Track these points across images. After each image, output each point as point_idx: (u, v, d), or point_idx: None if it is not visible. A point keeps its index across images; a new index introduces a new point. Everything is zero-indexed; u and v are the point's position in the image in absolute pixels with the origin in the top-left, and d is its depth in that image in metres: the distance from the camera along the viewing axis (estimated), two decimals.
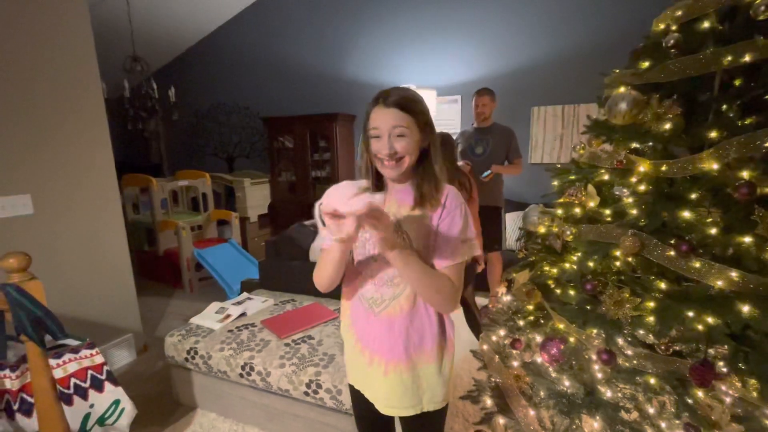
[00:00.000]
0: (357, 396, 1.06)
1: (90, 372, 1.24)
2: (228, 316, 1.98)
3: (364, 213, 0.69)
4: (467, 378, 2.12)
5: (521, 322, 1.38)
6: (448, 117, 3.82)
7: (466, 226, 0.90)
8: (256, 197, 4.53)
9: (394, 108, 0.83)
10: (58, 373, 1.19)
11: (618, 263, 1.04)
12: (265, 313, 2.04)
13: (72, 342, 1.22)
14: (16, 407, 1.22)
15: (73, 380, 1.22)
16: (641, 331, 0.99)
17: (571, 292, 1.17)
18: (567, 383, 1.11)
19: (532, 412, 1.26)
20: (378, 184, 0.94)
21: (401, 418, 1.02)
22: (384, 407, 0.98)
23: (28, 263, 1.14)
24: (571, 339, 1.14)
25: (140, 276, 3.72)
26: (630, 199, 1.04)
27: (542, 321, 1.30)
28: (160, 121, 5.52)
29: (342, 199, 0.70)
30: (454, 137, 2.44)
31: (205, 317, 2.00)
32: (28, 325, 1.11)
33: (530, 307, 1.30)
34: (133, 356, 2.41)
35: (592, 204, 1.12)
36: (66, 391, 1.22)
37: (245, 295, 2.30)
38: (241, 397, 1.76)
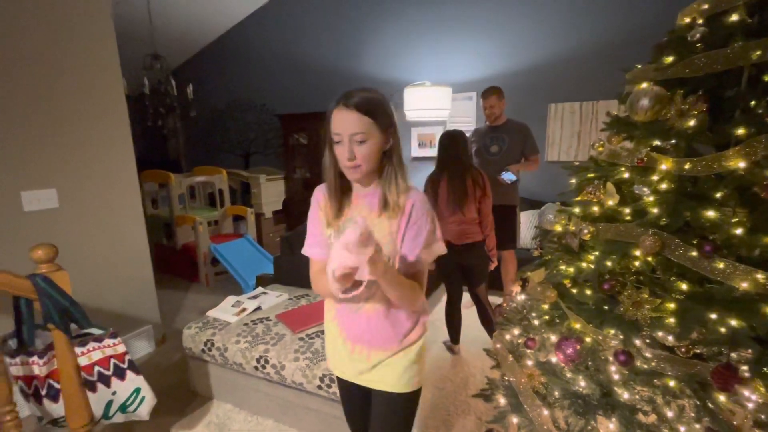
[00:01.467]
0: (343, 384, 1.12)
1: (113, 360, 1.28)
2: (243, 309, 2.02)
3: (370, 252, 0.73)
4: (480, 376, 2.11)
5: (536, 322, 1.36)
6: (463, 114, 3.79)
7: (432, 232, 0.93)
8: (271, 193, 4.58)
9: (355, 111, 0.82)
10: (82, 361, 1.24)
11: (637, 263, 1.02)
12: (279, 307, 2.07)
13: (96, 331, 1.27)
14: (43, 392, 1.27)
15: (96, 368, 1.26)
16: (660, 333, 0.97)
17: (588, 292, 1.15)
18: (583, 384, 1.10)
19: (545, 412, 1.24)
20: (343, 184, 0.95)
21: (375, 402, 1.06)
22: (365, 381, 1.04)
23: (55, 254, 1.18)
24: (588, 339, 1.13)
25: (158, 269, 3.81)
26: (651, 198, 1.02)
27: (557, 320, 1.29)
28: (178, 118, 5.62)
29: (345, 254, 0.73)
30: (468, 135, 2.41)
31: (222, 310, 2.04)
32: (55, 314, 1.15)
33: (545, 307, 1.29)
34: (152, 347, 2.48)
35: (611, 202, 1.10)
36: (90, 378, 1.27)
37: (260, 289, 2.34)
38: (256, 389, 1.79)
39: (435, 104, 3.32)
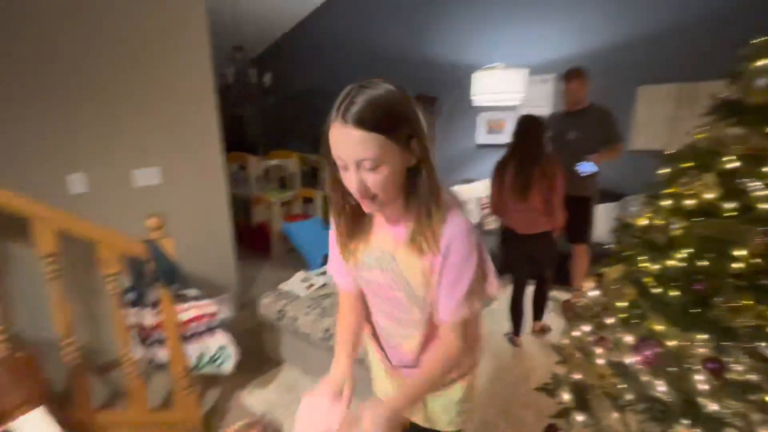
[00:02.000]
0: None
1: (205, 319, 1.47)
2: (312, 284, 2.16)
3: None
4: (542, 371, 2.05)
5: (610, 320, 1.29)
6: (537, 98, 3.58)
7: (478, 277, 0.71)
8: None
9: (358, 129, 0.58)
10: (182, 317, 1.44)
11: (738, 264, 0.91)
12: None
13: (193, 292, 1.45)
14: (152, 340, 1.50)
15: (192, 324, 1.45)
16: (763, 344, 0.87)
17: (674, 293, 1.06)
18: (662, 389, 1.03)
19: (615, 414, 1.19)
20: (356, 206, 0.71)
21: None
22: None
23: (163, 223, 1.37)
24: (670, 343, 1.05)
25: (236, 244, 4.20)
26: (764, 192, 0.90)
27: (635, 321, 1.20)
28: (256, 105, 6.04)
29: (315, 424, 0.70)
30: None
31: (293, 284, 2.21)
32: (162, 274, 1.34)
33: (622, 305, 1.21)
34: (231, 313, 2.76)
35: (711, 195, 0.99)
36: (186, 332, 1.46)
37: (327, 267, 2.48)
38: (323, 358, 1.93)
39: (507, 87, 3.17)
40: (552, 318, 2.61)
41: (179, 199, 2.38)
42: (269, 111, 6.00)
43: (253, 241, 4.23)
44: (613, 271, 1.31)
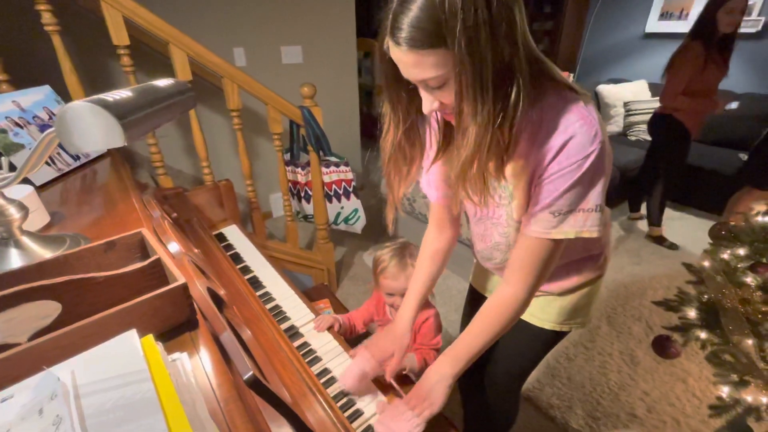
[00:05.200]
0: (474, 295, 1.03)
1: (344, 183, 1.69)
2: None
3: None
4: (662, 289, 1.93)
5: None
6: None
7: (582, 192, 0.56)
8: None
9: (412, 52, 0.47)
10: (325, 179, 1.68)
11: None
12: None
13: (335, 158, 1.66)
14: (302, 195, 1.81)
15: (333, 186, 1.69)
16: None
17: None
18: None
19: (750, 341, 1.11)
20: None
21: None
22: None
23: (315, 92, 1.52)
24: None
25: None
26: None
27: None
28: None
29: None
30: None
31: None
32: (313, 138, 1.54)
33: None
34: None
35: None
36: (329, 192, 1.72)
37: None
38: None
39: None
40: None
41: (317, 78, 2.56)
42: None
43: (374, 129, 4.42)
44: None
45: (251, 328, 0.69)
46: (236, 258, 1.12)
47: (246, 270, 1.08)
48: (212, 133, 2.18)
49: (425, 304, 0.91)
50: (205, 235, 1.08)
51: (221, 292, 0.61)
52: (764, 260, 1.13)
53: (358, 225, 1.82)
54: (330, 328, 0.92)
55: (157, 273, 0.52)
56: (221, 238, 1.24)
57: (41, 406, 0.32)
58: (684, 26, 2.84)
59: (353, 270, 2.18)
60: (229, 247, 1.18)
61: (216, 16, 2.08)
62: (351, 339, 1.09)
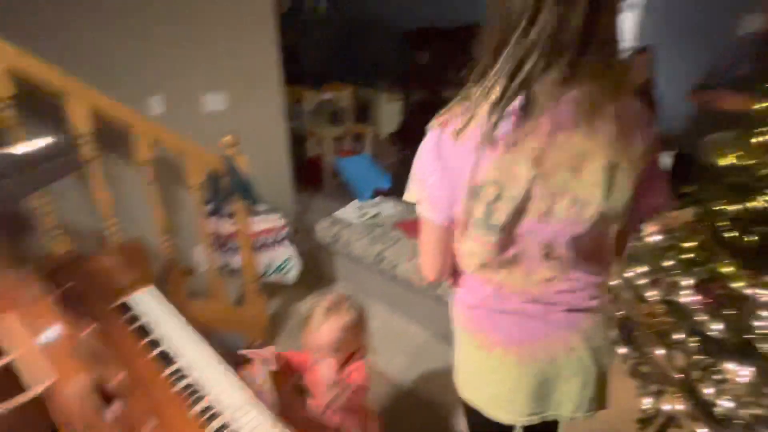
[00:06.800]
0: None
1: (274, 231, 1.62)
2: (365, 213, 2.27)
3: None
4: None
5: (669, 262, 1.27)
6: None
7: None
8: (389, 114, 4.70)
9: None
10: (254, 228, 1.60)
11: None
12: (395, 216, 2.27)
13: (263, 207, 1.59)
14: (226, 248, 1.69)
15: (263, 235, 1.61)
16: None
17: (751, 238, 1.02)
18: (718, 326, 1.03)
19: (662, 351, 1.22)
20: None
21: None
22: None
23: (238, 142, 1.48)
24: (735, 285, 1.03)
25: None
26: None
27: (699, 263, 1.18)
28: (311, 35, 5.89)
29: None
30: None
31: (347, 212, 2.33)
32: (237, 188, 1.47)
33: (688, 245, 1.18)
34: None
35: None
36: (257, 242, 1.63)
37: (379, 198, 2.57)
38: (374, 279, 2.08)
39: None
40: None
41: (242, 125, 2.50)
42: (324, 41, 5.85)
43: (306, 173, 4.39)
44: (683, 215, 1.27)
45: (159, 416, 0.59)
46: (145, 330, 0.98)
47: (155, 343, 0.94)
48: (125, 184, 1.98)
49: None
50: (105, 307, 0.94)
51: (116, 380, 0.52)
52: (659, 277, 1.27)
53: (292, 274, 1.73)
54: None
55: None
56: (128, 307, 1.09)
57: None
58: None
59: (289, 324, 2.05)
60: (136, 318, 1.04)
61: (130, 62, 1.97)
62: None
